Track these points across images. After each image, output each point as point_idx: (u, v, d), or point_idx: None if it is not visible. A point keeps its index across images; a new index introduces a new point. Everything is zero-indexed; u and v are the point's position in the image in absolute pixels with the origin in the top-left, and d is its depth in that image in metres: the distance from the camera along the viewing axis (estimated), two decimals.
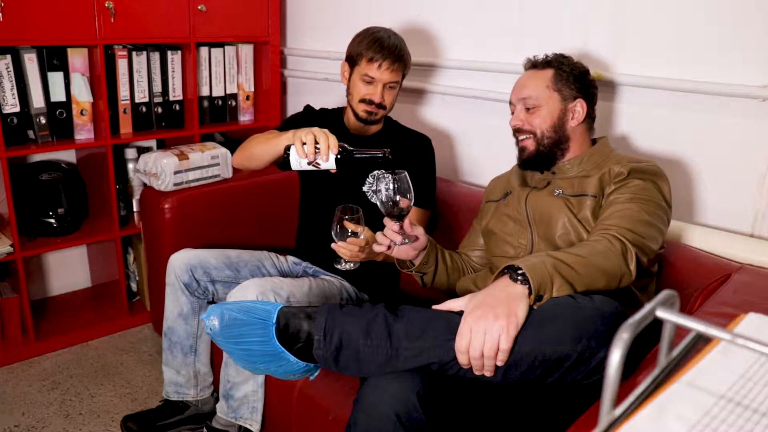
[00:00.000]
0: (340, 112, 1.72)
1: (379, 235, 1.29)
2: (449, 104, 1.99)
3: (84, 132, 2.06)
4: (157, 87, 2.20)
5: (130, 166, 2.26)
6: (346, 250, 1.33)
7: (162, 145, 2.32)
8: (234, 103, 2.40)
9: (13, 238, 1.94)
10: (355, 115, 1.62)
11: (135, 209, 2.30)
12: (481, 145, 1.94)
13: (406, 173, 1.23)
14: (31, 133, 2.01)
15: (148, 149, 2.28)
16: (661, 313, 0.47)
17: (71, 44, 1.97)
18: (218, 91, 2.34)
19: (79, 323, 2.21)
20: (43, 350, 2.09)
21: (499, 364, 0.96)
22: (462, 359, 0.98)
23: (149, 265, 2.03)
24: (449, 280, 1.44)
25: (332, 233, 1.34)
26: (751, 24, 1.33)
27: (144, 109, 2.19)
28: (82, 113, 2.04)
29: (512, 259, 1.32)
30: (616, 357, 0.43)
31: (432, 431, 1.01)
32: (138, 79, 2.15)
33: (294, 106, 2.57)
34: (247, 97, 2.42)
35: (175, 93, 2.24)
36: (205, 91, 2.31)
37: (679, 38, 1.44)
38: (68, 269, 2.41)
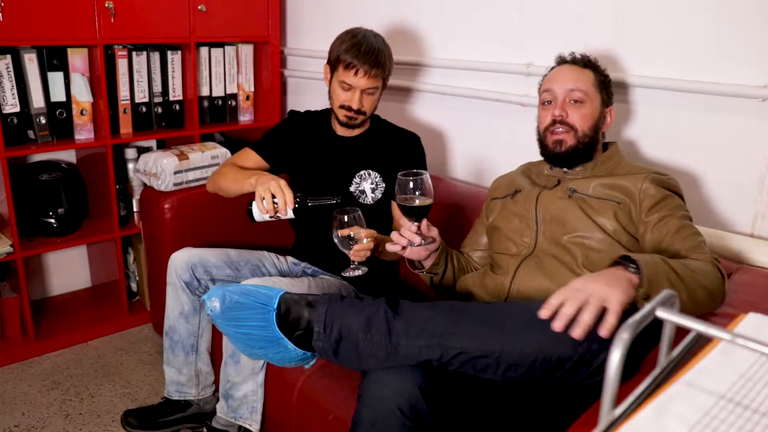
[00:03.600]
0: (327, 113, 1.72)
1: (395, 234, 1.28)
2: (444, 103, 1.99)
3: (84, 132, 2.06)
4: (157, 87, 2.20)
5: (130, 166, 2.26)
6: (361, 252, 1.34)
7: (162, 145, 2.32)
8: (234, 103, 2.40)
9: (13, 238, 1.94)
10: (337, 118, 1.62)
11: (135, 209, 2.30)
12: (479, 144, 1.94)
13: (427, 174, 1.23)
14: (31, 133, 2.01)
15: (148, 149, 2.28)
16: (661, 313, 0.47)
17: (71, 44, 1.97)
18: (218, 91, 2.34)
19: (79, 323, 2.21)
20: (43, 350, 2.09)
21: (576, 334, 0.90)
22: (545, 313, 0.94)
23: (149, 265, 2.03)
24: (454, 280, 1.44)
25: (335, 240, 1.34)
26: (751, 24, 1.33)
27: (144, 109, 2.19)
28: (82, 113, 2.04)
29: (514, 256, 1.32)
30: (616, 357, 0.43)
31: (435, 424, 1.01)
32: (138, 79, 2.15)
33: (294, 106, 2.57)
34: (247, 97, 2.42)
35: (175, 93, 2.24)
36: (205, 91, 2.31)
37: (679, 38, 1.44)
38: (68, 269, 2.41)
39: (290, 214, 1.42)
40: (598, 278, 0.97)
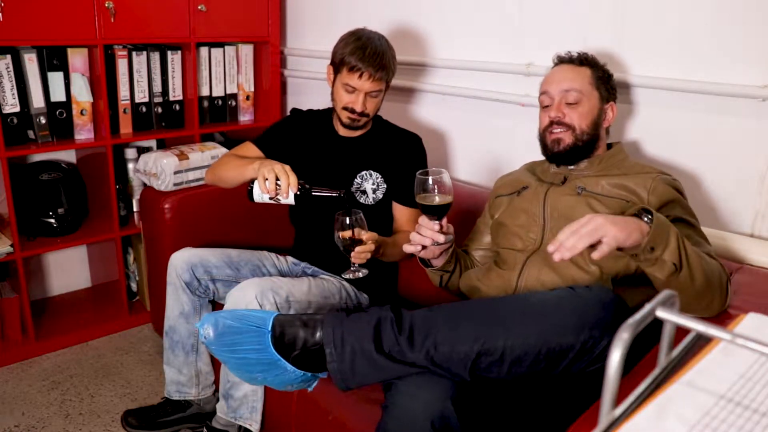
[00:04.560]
0: (329, 112, 1.72)
1: (414, 235, 1.27)
2: (445, 104, 1.99)
3: (84, 132, 2.06)
4: (157, 87, 2.20)
5: (130, 166, 2.26)
6: (363, 255, 1.34)
7: (162, 145, 2.32)
8: (234, 103, 2.40)
9: (13, 238, 1.94)
10: (339, 119, 1.62)
11: (135, 209, 2.30)
12: (479, 144, 1.94)
13: (446, 171, 1.22)
14: (31, 133, 2.01)
15: (148, 149, 2.28)
16: (661, 313, 0.47)
17: (71, 44, 1.97)
18: (218, 91, 2.34)
19: (79, 323, 2.21)
20: (43, 350, 2.09)
21: (596, 256, 0.96)
22: (551, 248, 0.99)
23: (149, 265, 2.03)
24: (459, 279, 1.45)
25: (336, 241, 1.34)
26: (751, 24, 1.33)
27: (144, 109, 2.19)
28: (82, 113, 2.04)
29: (520, 251, 1.32)
30: (616, 357, 0.43)
31: None
32: (138, 79, 2.14)
33: (294, 106, 2.57)
34: (247, 97, 2.42)
35: (175, 93, 2.24)
36: (205, 91, 2.31)
37: (679, 38, 1.44)
38: (68, 269, 2.41)
39: (291, 199, 1.40)
40: (609, 218, 0.99)
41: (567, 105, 1.33)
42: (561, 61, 1.41)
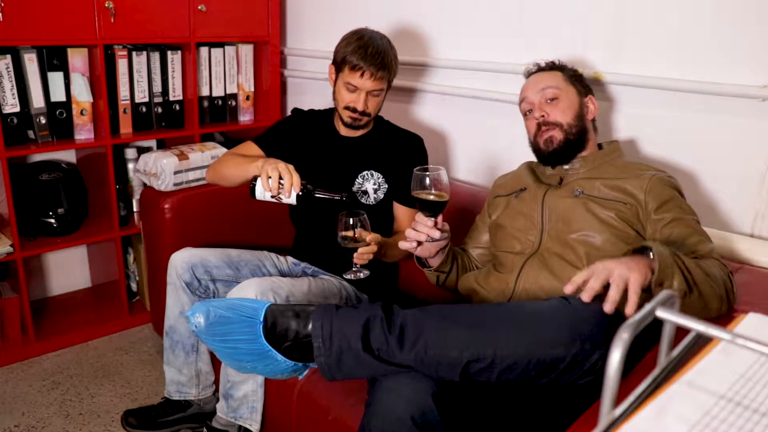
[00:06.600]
0: (330, 112, 1.72)
1: (410, 231, 1.27)
2: (445, 104, 1.99)
3: (84, 132, 2.06)
4: (157, 87, 2.20)
5: (130, 166, 2.26)
6: (365, 256, 1.34)
7: (162, 145, 2.32)
8: (234, 103, 2.40)
9: (13, 238, 1.94)
10: (341, 119, 1.62)
11: (135, 209, 2.30)
12: (479, 144, 1.94)
13: (444, 169, 1.23)
14: (31, 133, 2.01)
15: (148, 149, 2.28)
16: (661, 313, 0.47)
17: (71, 44, 1.97)
18: (218, 91, 2.34)
19: (79, 323, 2.21)
20: (43, 350, 2.09)
21: (607, 308, 0.92)
22: (569, 289, 0.97)
23: (149, 265, 2.03)
24: (457, 279, 1.44)
25: (339, 241, 1.34)
26: (751, 24, 1.33)
27: (144, 109, 2.19)
28: (82, 113, 2.04)
29: (518, 254, 1.32)
30: (616, 357, 0.43)
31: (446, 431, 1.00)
32: (138, 79, 2.15)
33: (294, 106, 2.57)
34: (247, 97, 2.42)
35: (175, 93, 2.24)
36: (205, 91, 2.31)
37: (679, 38, 1.44)
38: (68, 269, 2.41)
39: (293, 199, 1.40)
40: (618, 260, 0.98)
41: (547, 103, 1.37)
42: (530, 73, 1.47)
